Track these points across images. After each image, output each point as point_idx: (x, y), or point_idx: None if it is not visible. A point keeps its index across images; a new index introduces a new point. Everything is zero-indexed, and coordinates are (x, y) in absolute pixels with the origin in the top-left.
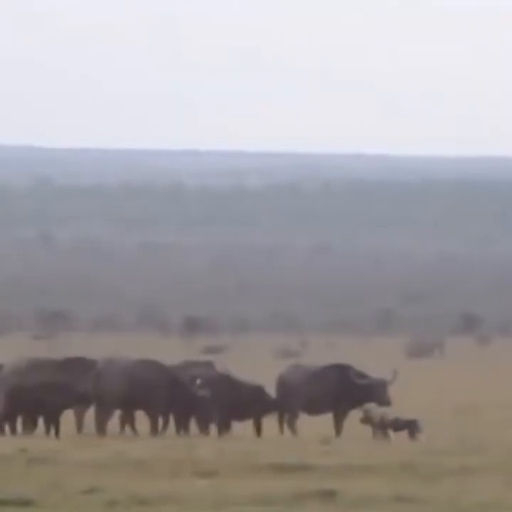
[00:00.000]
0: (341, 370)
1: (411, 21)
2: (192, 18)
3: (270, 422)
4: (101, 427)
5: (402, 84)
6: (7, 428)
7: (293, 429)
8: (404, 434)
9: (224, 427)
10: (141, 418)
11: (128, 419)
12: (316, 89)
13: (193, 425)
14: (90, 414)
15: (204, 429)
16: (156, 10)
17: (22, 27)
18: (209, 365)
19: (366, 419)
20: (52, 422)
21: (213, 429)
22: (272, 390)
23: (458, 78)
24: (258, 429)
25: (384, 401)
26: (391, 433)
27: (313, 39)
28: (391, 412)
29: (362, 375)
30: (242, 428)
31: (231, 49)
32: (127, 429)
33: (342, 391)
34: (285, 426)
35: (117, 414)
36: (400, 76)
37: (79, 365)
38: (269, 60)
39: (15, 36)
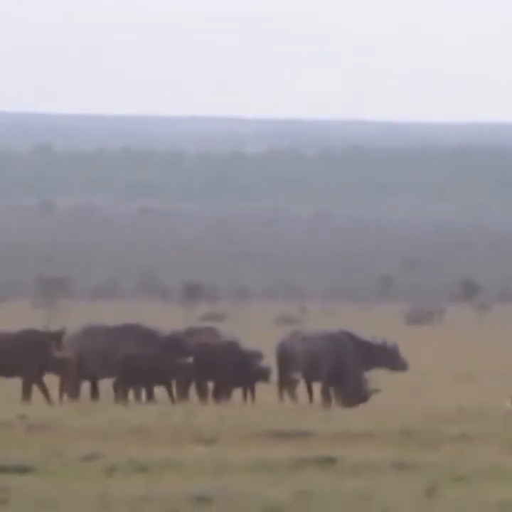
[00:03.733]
0: (341, 337)
1: None
2: None
3: (270, 389)
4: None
5: (402, 50)
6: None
7: (293, 396)
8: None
9: (223, 394)
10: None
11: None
12: (316, 55)
13: (191, 392)
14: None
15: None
16: None
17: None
18: (211, 331)
19: None
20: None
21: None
22: (272, 357)
23: (458, 45)
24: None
25: (398, 365)
26: None
27: (314, 5)
28: (390, 380)
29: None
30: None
31: (231, 16)
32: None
33: (340, 358)
34: (285, 393)
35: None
36: (401, 43)
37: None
38: (270, 27)
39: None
